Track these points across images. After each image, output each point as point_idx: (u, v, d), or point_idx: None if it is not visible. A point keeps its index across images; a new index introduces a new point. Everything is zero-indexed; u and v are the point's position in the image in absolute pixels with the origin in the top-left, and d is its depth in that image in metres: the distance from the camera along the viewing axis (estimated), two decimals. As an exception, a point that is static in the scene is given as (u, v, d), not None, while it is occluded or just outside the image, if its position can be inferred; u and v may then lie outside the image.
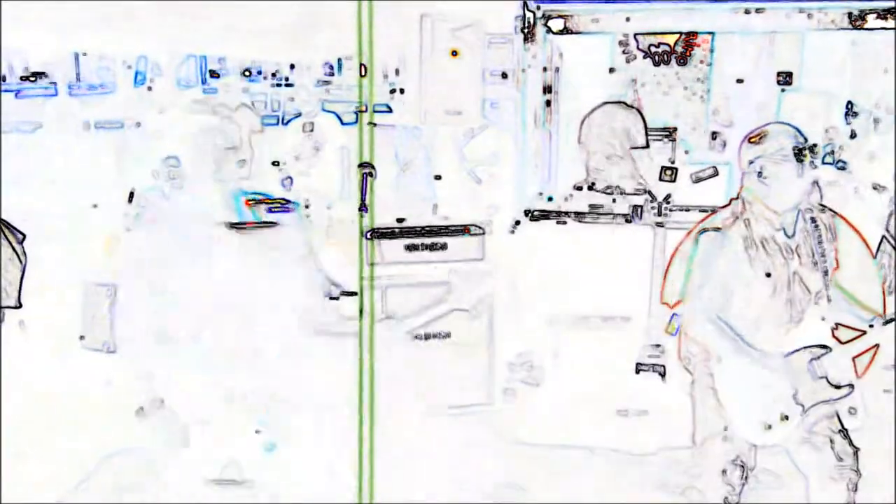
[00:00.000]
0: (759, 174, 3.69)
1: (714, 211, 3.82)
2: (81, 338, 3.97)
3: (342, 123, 3.87)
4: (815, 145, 3.73)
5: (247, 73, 3.73)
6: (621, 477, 3.99)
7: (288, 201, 3.88)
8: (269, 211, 3.89)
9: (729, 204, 3.80)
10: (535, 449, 4.03)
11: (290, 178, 3.96)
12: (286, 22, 3.84)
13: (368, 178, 3.87)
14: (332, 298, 3.93)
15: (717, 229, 3.74)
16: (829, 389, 3.66)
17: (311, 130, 3.89)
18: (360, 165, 3.90)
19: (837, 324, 3.70)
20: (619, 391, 3.96)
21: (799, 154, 3.66)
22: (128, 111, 3.93)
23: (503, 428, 4.04)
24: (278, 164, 3.93)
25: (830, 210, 3.74)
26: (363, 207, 3.90)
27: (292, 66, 3.87)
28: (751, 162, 3.71)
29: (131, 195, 3.91)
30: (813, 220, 3.72)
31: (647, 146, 3.84)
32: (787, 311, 3.68)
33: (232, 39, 3.86)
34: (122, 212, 3.96)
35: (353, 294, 3.93)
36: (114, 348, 3.96)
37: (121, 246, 3.94)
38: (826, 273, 3.68)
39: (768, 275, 3.65)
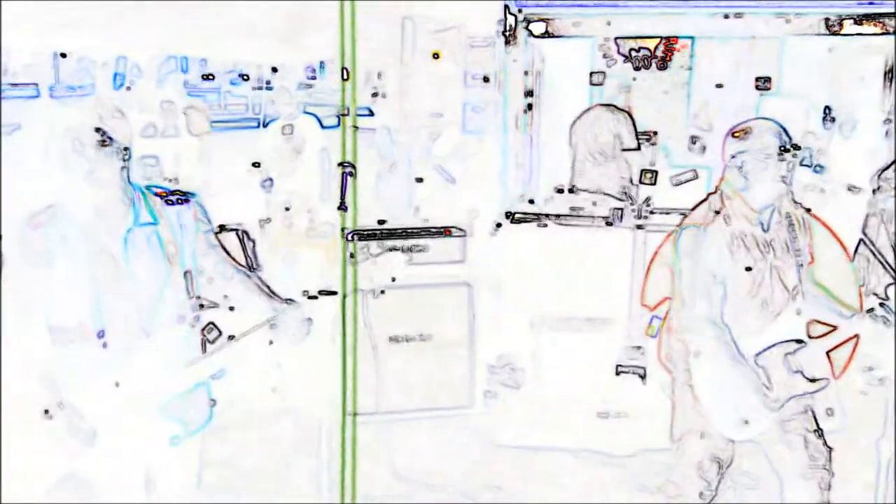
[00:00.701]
0: (740, 169, 3.67)
1: (693, 208, 3.79)
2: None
3: (322, 127, 3.82)
4: (798, 146, 3.72)
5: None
6: (601, 479, 3.97)
7: (184, 193, 3.78)
8: (166, 203, 3.79)
9: (706, 199, 3.78)
10: (516, 451, 4.01)
11: (271, 179, 3.90)
12: (269, 25, 3.78)
13: (349, 178, 3.82)
14: (310, 297, 3.86)
15: (696, 225, 3.72)
16: (805, 383, 3.65)
17: (291, 133, 3.83)
18: (341, 164, 3.85)
19: (813, 319, 3.69)
20: (599, 393, 3.95)
21: (783, 153, 3.65)
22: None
23: (484, 430, 4.01)
24: (259, 166, 3.86)
25: (802, 206, 3.73)
26: (343, 206, 3.84)
27: (274, 70, 3.81)
28: (733, 156, 3.70)
29: None
30: (788, 214, 3.71)
31: (638, 148, 3.82)
32: (766, 306, 3.67)
33: (214, 42, 3.78)
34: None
35: (332, 293, 3.88)
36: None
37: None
38: (801, 266, 3.68)
39: (748, 269, 3.65)
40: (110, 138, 3.62)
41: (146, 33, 3.78)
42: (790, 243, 3.67)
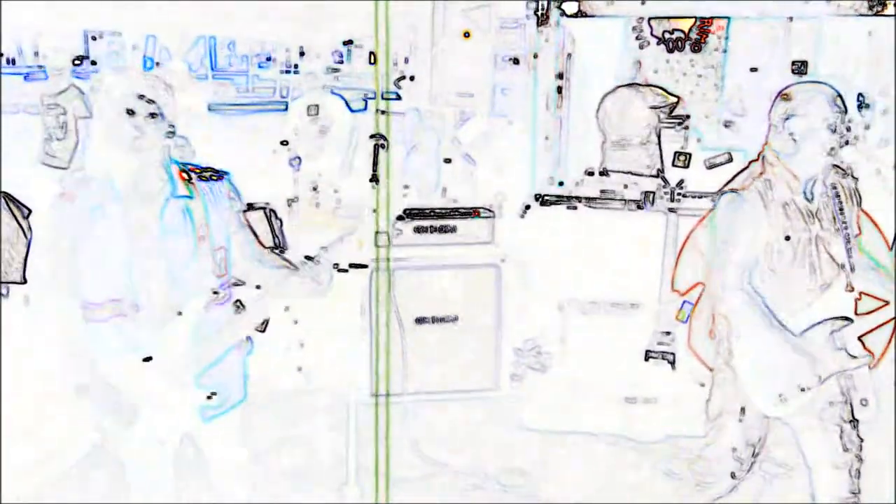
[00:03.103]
0: (790, 134, 3.46)
1: (734, 176, 3.60)
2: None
3: (351, 110, 3.68)
4: (851, 120, 3.52)
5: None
6: (627, 464, 3.84)
7: (217, 171, 3.66)
8: (199, 179, 3.67)
9: (748, 166, 3.60)
10: (541, 434, 3.89)
11: (299, 157, 3.77)
12: (297, 6, 3.64)
13: (380, 150, 3.68)
14: (340, 270, 3.74)
15: (734, 191, 3.54)
16: (848, 360, 3.48)
17: (316, 114, 3.69)
18: (372, 136, 3.71)
19: (862, 293, 3.51)
20: (627, 378, 3.81)
21: (834, 124, 3.44)
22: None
23: (509, 413, 3.89)
24: (287, 144, 3.73)
25: (852, 175, 3.54)
26: (375, 178, 3.70)
27: (302, 53, 3.67)
28: (786, 119, 3.48)
29: None
30: (833, 186, 3.51)
31: (671, 115, 3.64)
32: (812, 278, 3.49)
33: (242, 23, 3.65)
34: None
35: (363, 266, 3.75)
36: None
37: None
38: (848, 240, 3.49)
39: (787, 238, 3.46)
40: (160, 112, 3.52)
41: (176, 13, 3.62)
42: (836, 215, 3.47)
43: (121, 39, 3.71)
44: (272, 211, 3.83)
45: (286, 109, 3.72)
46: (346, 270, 3.76)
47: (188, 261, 3.61)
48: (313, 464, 3.90)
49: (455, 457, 3.91)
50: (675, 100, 3.62)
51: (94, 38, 3.68)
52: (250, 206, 3.83)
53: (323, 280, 3.74)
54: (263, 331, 3.75)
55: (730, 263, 3.52)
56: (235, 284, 3.70)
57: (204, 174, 3.66)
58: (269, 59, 3.73)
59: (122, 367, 3.60)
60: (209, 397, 3.68)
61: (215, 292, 3.64)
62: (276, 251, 3.76)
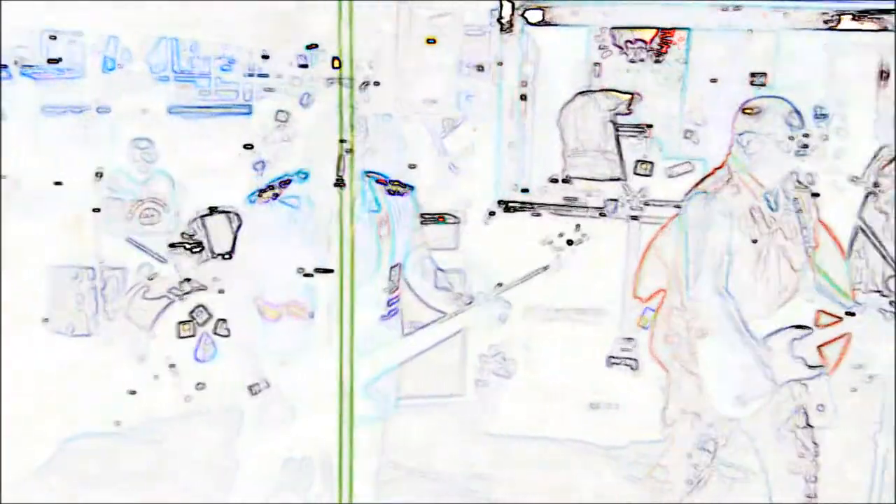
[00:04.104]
0: (746, 148, 3.51)
1: (700, 181, 3.63)
2: (45, 320, 3.70)
3: (302, 107, 3.63)
4: (807, 132, 3.57)
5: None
6: (591, 469, 3.83)
7: (404, 185, 3.66)
8: (388, 193, 3.66)
9: (713, 173, 3.62)
10: (506, 440, 3.86)
11: (263, 161, 3.71)
12: (262, 10, 3.59)
13: (348, 154, 3.64)
14: (306, 275, 3.68)
15: (706, 192, 3.56)
16: (804, 369, 3.51)
17: (286, 121, 3.64)
18: (341, 141, 3.67)
19: (819, 310, 3.56)
20: (590, 384, 3.80)
21: (791, 138, 3.49)
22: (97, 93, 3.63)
23: (474, 419, 3.86)
24: (251, 147, 3.67)
25: (809, 190, 3.59)
26: (340, 182, 3.65)
27: (265, 56, 3.61)
28: (741, 133, 3.53)
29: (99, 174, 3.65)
30: (795, 198, 3.56)
31: (630, 112, 3.66)
32: (773, 285, 3.52)
33: (205, 26, 3.59)
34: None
35: (329, 271, 3.70)
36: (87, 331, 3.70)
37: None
38: (808, 250, 3.54)
39: (754, 241, 3.49)
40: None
41: (138, 14, 3.54)
42: (797, 224, 3.51)
43: (82, 39, 3.62)
44: (236, 215, 3.76)
45: (249, 113, 3.65)
46: (311, 275, 3.70)
47: (370, 273, 3.62)
48: (275, 466, 3.79)
49: (420, 462, 3.86)
50: (628, 97, 3.63)
51: (52, 38, 3.59)
52: (212, 210, 3.76)
53: (500, 316, 3.66)
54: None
55: (704, 265, 3.54)
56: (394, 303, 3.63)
57: (392, 186, 3.57)
58: (231, 61, 3.67)
59: (294, 371, 3.62)
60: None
61: (389, 305, 3.63)
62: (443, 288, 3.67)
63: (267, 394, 3.79)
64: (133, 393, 3.81)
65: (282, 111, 3.67)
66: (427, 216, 3.70)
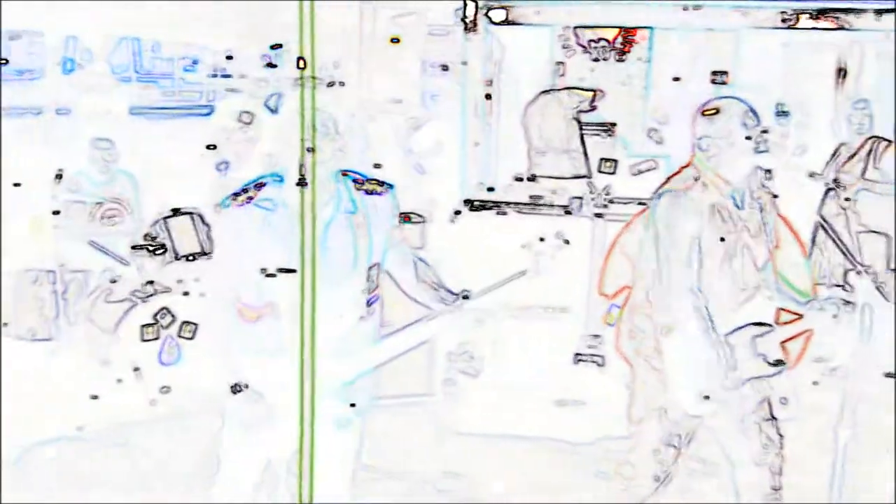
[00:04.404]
0: (706, 151, 3.55)
1: (666, 180, 3.66)
2: (4, 325, 3.65)
3: (272, 112, 3.61)
4: (765, 130, 3.61)
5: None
6: (559, 466, 3.84)
7: (382, 182, 3.63)
8: (365, 193, 3.63)
9: (679, 172, 3.65)
10: (475, 439, 3.85)
11: (227, 162, 3.69)
12: (225, 10, 3.56)
13: (310, 153, 3.63)
14: (268, 276, 3.66)
15: (675, 190, 3.59)
16: (765, 366, 3.55)
17: (250, 122, 3.62)
18: (303, 140, 3.66)
19: (779, 308, 3.61)
20: (557, 381, 3.81)
21: (748, 138, 3.53)
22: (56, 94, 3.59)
23: (443, 418, 3.85)
24: (214, 148, 3.64)
25: (770, 192, 3.63)
26: (303, 182, 3.63)
27: (229, 57, 3.59)
28: (700, 137, 3.57)
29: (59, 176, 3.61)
30: (758, 197, 3.60)
31: (594, 108, 3.68)
32: (737, 283, 3.56)
33: (168, 26, 3.56)
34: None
35: (292, 271, 3.68)
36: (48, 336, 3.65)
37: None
38: (770, 249, 3.59)
39: (722, 239, 3.53)
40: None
41: (99, 14, 3.50)
42: (760, 223, 3.55)
43: (42, 40, 3.57)
44: (199, 216, 3.74)
45: (210, 113, 3.63)
46: (273, 275, 3.67)
47: (347, 276, 3.57)
48: (246, 469, 3.77)
49: (389, 462, 3.85)
50: (590, 94, 3.66)
51: (11, 39, 3.54)
52: (175, 212, 3.73)
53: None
54: None
55: (673, 264, 3.57)
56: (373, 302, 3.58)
57: (369, 185, 3.54)
58: (195, 62, 3.64)
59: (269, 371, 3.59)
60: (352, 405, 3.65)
61: (368, 305, 3.60)
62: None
63: (239, 396, 3.77)
64: (96, 398, 3.77)
65: (246, 112, 3.65)
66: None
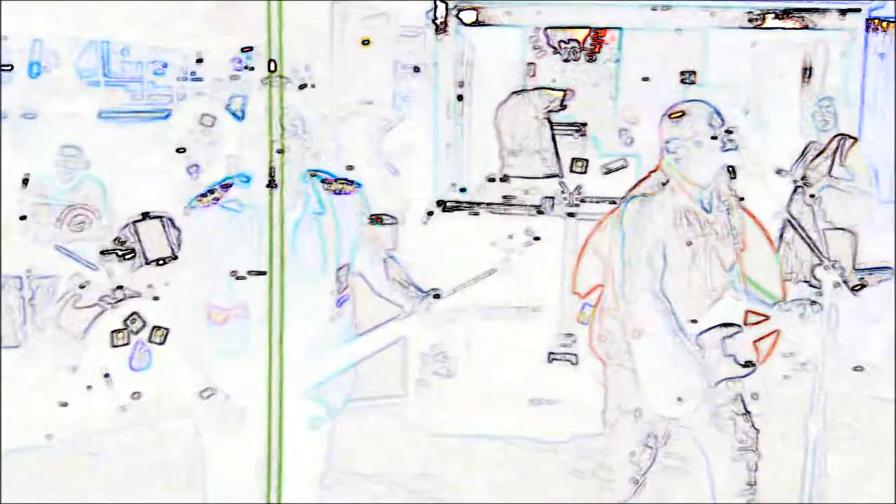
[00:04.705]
0: (674, 154, 3.58)
1: (636, 185, 3.68)
2: (-30, 331, 3.60)
3: (239, 117, 3.60)
4: (730, 130, 3.65)
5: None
6: (535, 465, 3.85)
7: (351, 181, 3.61)
8: (333, 193, 3.60)
9: (648, 176, 3.68)
10: (450, 440, 3.85)
11: (197, 165, 3.67)
12: (195, 12, 3.55)
13: (279, 155, 3.61)
14: (238, 278, 3.63)
15: (644, 195, 3.62)
16: (736, 367, 3.59)
17: (212, 125, 3.60)
18: (272, 142, 3.65)
19: (747, 310, 3.64)
20: (531, 380, 3.81)
21: (714, 138, 3.57)
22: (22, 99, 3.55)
23: (417, 420, 3.84)
24: (184, 151, 3.62)
25: (735, 194, 3.67)
26: (272, 184, 3.61)
27: (199, 60, 3.57)
28: (668, 141, 3.60)
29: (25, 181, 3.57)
30: (725, 200, 3.64)
31: (564, 107, 3.70)
32: (705, 286, 3.59)
33: (136, 29, 3.53)
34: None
35: (262, 273, 3.66)
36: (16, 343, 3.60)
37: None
38: (737, 251, 3.62)
39: (689, 243, 3.55)
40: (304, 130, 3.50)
41: (66, 17, 3.47)
42: (728, 225, 3.59)
43: (7, 44, 3.54)
44: (169, 220, 3.71)
45: (167, 116, 3.60)
46: (244, 278, 3.65)
47: (316, 277, 3.55)
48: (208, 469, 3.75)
49: (363, 464, 3.83)
50: (560, 94, 3.68)
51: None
52: (145, 216, 3.70)
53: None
54: None
55: (638, 265, 3.59)
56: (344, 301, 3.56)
57: (337, 185, 3.54)
58: (164, 65, 3.62)
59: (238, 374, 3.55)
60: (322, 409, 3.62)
61: (338, 306, 3.58)
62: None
63: (210, 399, 3.74)
64: (65, 405, 3.72)
65: (207, 115, 3.63)
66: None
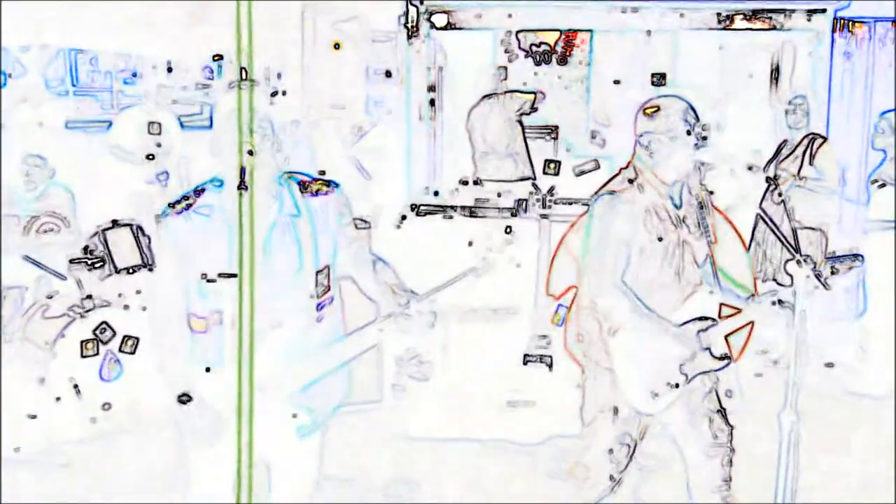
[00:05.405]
0: (647, 147, 3.61)
1: (608, 181, 3.71)
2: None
3: (182, 127, 3.58)
4: (705, 124, 3.68)
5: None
6: (512, 467, 3.85)
7: (328, 182, 3.59)
8: (310, 195, 3.59)
9: (619, 173, 3.70)
10: (426, 443, 3.84)
11: (167, 172, 3.64)
12: (165, 20, 3.53)
13: (248, 157, 3.59)
14: (209, 281, 3.60)
15: (611, 193, 3.64)
16: (711, 360, 3.61)
17: (159, 133, 3.58)
18: (242, 144, 3.64)
19: (721, 303, 3.68)
20: (507, 383, 3.82)
21: (689, 133, 3.60)
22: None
23: (394, 424, 3.84)
24: (153, 158, 3.59)
25: (706, 188, 3.70)
26: (243, 186, 3.59)
27: (170, 69, 3.55)
28: (641, 134, 3.63)
29: None
30: (697, 195, 3.67)
31: (535, 109, 3.72)
32: (678, 280, 3.62)
33: (105, 37, 3.50)
34: None
35: (233, 276, 3.63)
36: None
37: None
38: (710, 245, 3.66)
39: (660, 239, 3.58)
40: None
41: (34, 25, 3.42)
42: (700, 221, 3.62)
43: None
44: (139, 228, 3.68)
45: (108, 127, 3.58)
46: (213, 280, 3.63)
47: (292, 279, 3.50)
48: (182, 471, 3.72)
49: (339, 468, 3.82)
50: (531, 96, 3.70)
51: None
52: (114, 223, 3.67)
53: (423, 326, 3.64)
54: None
55: (607, 263, 3.61)
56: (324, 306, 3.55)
57: (313, 187, 3.50)
58: (134, 74, 3.60)
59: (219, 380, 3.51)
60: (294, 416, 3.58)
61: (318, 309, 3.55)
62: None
63: (185, 407, 3.70)
64: (33, 417, 3.67)
65: (154, 123, 3.60)
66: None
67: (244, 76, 3.58)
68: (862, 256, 3.71)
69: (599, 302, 3.58)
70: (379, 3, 3.65)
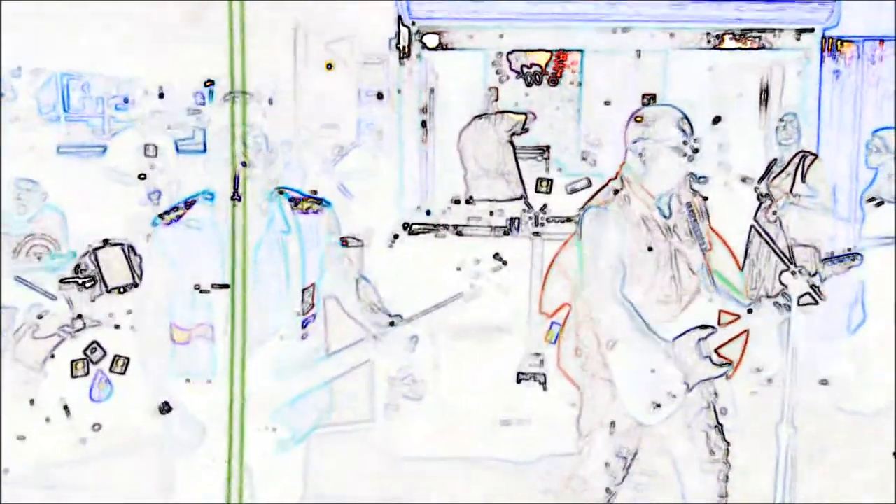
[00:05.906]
0: (640, 155, 3.62)
1: (596, 193, 3.71)
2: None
3: (178, 151, 3.58)
4: (697, 137, 3.70)
5: None
6: (506, 486, 3.81)
7: (319, 200, 3.59)
8: (300, 212, 3.58)
9: (607, 184, 3.71)
10: (419, 463, 3.81)
11: (159, 191, 3.64)
12: (156, 45, 3.54)
13: (242, 168, 3.60)
14: (202, 292, 3.59)
15: (598, 206, 3.64)
16: (712, 368, 3.60)
17: (155, 155, 3.58)
18: (234, 155, 3.64)
19: (721, 310, 3.67)
20: (501, 401, 3.80)
21: (683, 143, 3.62)
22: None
23: (386, 444, 3.81)
24: (144, 178, 3.59)
25: (700, 195, 3.71)
26: (236, 196, 3.57)
27: (161, 95, 3.56)
28: (634, 141, 3.63)
29: None
30: (688, 203, 3.68)
31: (524, 131, 3.73)
32: (674, 289, 3.61)
33: (98, 62, 3.52)
34: None
35: (225, 287, 3.62)
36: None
37: None
38: (704, 252, 3.66)
39: (650, 249, 3.58)
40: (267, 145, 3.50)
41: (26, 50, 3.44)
42: (692, 229, 3.63)
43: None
44: (130, 247, 3.67)
45: (104, 152, 3.59)
46: (207, 291, 3.62)
47: (280, 297, 3.51)
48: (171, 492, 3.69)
49: (331, 489, 3.79)
50: (522, 117, 3.72)
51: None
52: (105, 242, 3.66)
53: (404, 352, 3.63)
54: None
55: (599, 275, 3.61)
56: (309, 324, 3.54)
57: (304, 204, 3.49)
58: (126, 100, 3.61)
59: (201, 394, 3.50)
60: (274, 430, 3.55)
61: (303, 327, 3.54)
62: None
63: (173, 423, 3.68)
64: (22, 438, 3.64)
65: (150, 145, 3.61)
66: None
67: (234, 92, 3.59)
68: (861, 255, 3.71)
69: (597, 315, 3.58)
70: (370, 23, 3.67)
